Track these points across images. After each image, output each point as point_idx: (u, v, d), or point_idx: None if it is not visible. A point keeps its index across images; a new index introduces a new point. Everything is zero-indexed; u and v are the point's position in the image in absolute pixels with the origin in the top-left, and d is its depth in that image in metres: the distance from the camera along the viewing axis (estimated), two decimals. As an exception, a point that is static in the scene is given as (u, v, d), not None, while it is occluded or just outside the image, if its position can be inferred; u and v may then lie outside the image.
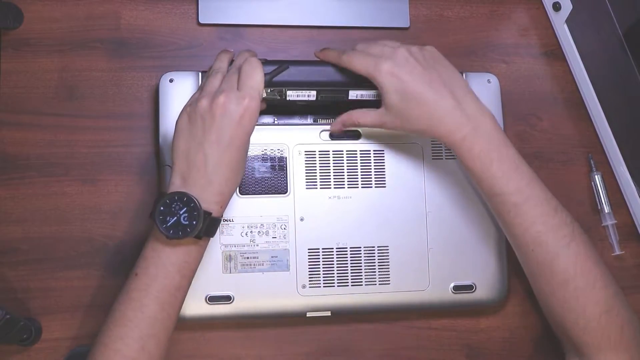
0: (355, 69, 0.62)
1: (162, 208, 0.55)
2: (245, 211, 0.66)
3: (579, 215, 0.76)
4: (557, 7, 0.77)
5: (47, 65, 0.70)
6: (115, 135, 0.69)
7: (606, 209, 0.75)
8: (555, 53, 0.79)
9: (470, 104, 0.61)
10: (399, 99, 0.60)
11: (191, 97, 0.60)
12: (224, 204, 0.58)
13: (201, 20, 0.73)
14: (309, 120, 0.70)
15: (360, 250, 0.67)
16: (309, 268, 0.66)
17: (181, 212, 0.54)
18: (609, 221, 0.75)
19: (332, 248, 0.67)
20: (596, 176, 0.76)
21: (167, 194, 0.55)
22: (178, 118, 0.59)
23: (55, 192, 0.68)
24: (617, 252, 0.75)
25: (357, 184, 0.68)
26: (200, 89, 0.60)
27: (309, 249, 0.67)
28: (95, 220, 0.68)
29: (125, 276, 0.67)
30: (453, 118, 0.60)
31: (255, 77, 0.58)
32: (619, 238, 0.75)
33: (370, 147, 0.69)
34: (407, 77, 0.60)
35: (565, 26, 0.77)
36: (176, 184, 0.56)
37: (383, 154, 0.69)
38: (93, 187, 0.68)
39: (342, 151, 0.68)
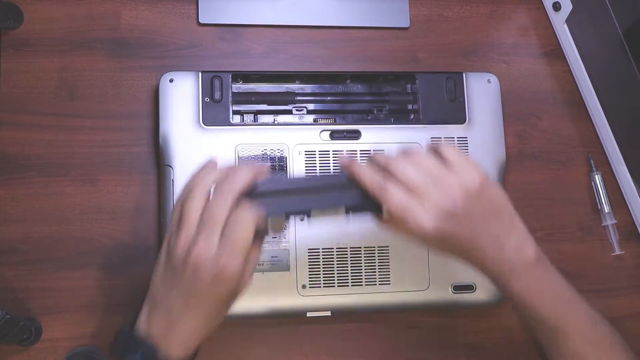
0: (392, 212, 0.50)
1: (116, 348, 0.51)
2: None
3: (579, 216, 0.76)
4: (557, 7, 0.77)
5: (47, 65, 0.70)
6: (115, 135, 0.69)
7: (606, 208, 0.75)
8: (555, 53, 0.79)
9: (513, 240, 0.53)
10: (440, 247, 0.53)
11: (172, 220, 0.50)
12: (191, 347, 0.52)
13: (201, 20, 0.73)
14: (309, 120, 0.70)
15: (360, 251, 0.67)
16: (309, 268, 0.66)
17: (136, 357, 0.50)
18: (609, 221, 0.75)
19: (332, 248, 0.67)
20: (596, 176, 0.76)
21: (124, 333, 0.52)
22: (161, 247, 0.51)
23: (55, 192, 0.68)
24: (617, 252, 0.75)
25: None
26: (178, 217, 0.49)
27: (309, 249, 0.67)
28: (95, 220, 0.68)
29: (125, 276, 0.67)
30: (492, 261, 0.53)
31: (240, 233, 0.47)
32: (619, 238, 0.75)
33: (371, 147, 0.69)
34: (451, 235, 0.51)
35: (565, 26, 0.77)
36: (142, 318, 0.51)
37: (383, 153, 0.69)
38: (93, 187, 0.68)
39: (343, 151, 0.68)
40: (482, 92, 0.72)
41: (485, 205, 0.52)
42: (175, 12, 0.73)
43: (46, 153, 0.68)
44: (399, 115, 0.72)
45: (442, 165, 0.51)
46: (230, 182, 0.48)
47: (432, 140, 0.70)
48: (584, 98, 0.78)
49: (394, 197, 0.49)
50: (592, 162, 0.77)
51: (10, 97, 0.69)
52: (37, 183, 0.68)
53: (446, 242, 0.51)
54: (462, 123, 0.71)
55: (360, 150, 0.69)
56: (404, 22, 0.76)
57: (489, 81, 0.73)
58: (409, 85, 0.73)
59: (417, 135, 0.70)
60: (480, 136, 0.71)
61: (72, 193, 0.68)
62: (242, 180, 0.49)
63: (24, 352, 0.65)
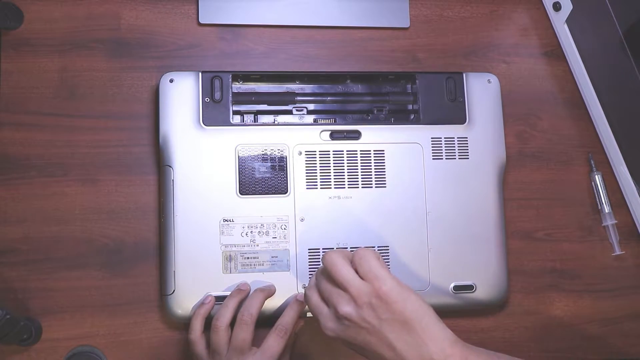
0: (311, 312, 0.58)
1: None
2: (245, 211, 0.66)
3: (579, 216, 0.76)
4: (557, 7, 0.77)
5: (47, 66, 0.70)
6: (115, 135, 0.69)
7: (606, 209, 0.75)
8: (555, 53, 0.79)
9: (419, 352, 0.52)
10: (343, 344, 0.57)
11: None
12: None
13: (201, 20, 0.73)
14: (309, 120, 0.70)
15: None
16: (310, 268, 0.66)
17: None
18: (609, 221, 0.75)
19: (333, 248, 0.67)
20: (596, 176, 0.76)
21: None
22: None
23: (55, 192, 0.68)
24: (618, 252, 0.75)
25: (358, 184, 0.68)
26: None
27: (309, 249, 0.67)
28: (95, 220, 0.68)
29: (125, 276, 0.67)
30: None
31: None
32: (619, 238, 0.75)
33: (371, 147, 0.69)
34: (346, 338, 0.55)
35: (566, 26, 0.77)
36: None
37: (383, 154, 0.69)
38: (93, 187, 0.68)
39: (343, 151, 0.69)
40: (482, 92, 0.72)
41: (387, 315, 0.53)
42: (175, 12, 0.73)
43: (46, 153, 0.68)
44: (399, 116, 0.72)
45: (351, 276, 0.54)
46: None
47: (432, 140, 0.70)
48: (584, 98, 0.78)
49: (311, 301, 0.57)
50: (592, 162, 0.77)
51: (10, 97, 0.69)
52: (37, 183, 0.68)
53: (346, 343, 0.56)
54: (462, 123, 0.71)
55: (361, 150, 0.69)
56: (404, 22, 0.76)
57: (489, 81, 0.73)
58: (409, 86, 0.73)
59: (417, 135, 0.70)
60: (480, 136, 0.71)
61: (72, 193, 0.68)
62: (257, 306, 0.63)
63: (24, 352, 0.65)
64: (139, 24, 0.72)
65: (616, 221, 0.75)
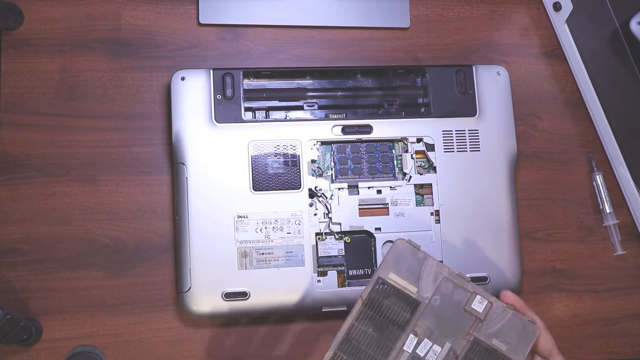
0: None
1: None
2: (259, 207, 0.66)
3: (579, 216, 0.76)
4: (557, 7, 0.77)
5: (48, 66, 0.70)
6: (116, 135, 0.70)
7: (608, 209, 0.75)
8: (555, 53, 0.79)
9: None
10: None
11: None
12: None
13: (201, 21, 0.73)
14: (321, 115, 0.70)
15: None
16: None
17: None
18: (611, 221, 0.75)
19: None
20: (597, 176, 0.76)
21: None
22: None
23: (56, 192, 0.68)
24: (620, 252, 0.75)
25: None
26: None
27: None
28: (95, 220, 0.68)
29: (125, 276, 0.67)
30: None
31: None
32: (620, 238, 0.75)
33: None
34: None
35: (566, 26, 0.77)
36: None
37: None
38: (93, 187, 0.68)
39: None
40: (492, 84, 0.72)
41: None
42: (175, 12, 0.73)
43: (46, 153, 0.68)
44: (410, 109, 0.72)
45: None
46: None
47: (443, 133, 0.70)
48: (584, 98, 0.78)
49: None
50: (593, 162, 0.77)
51: (11, 97, 0.69)
52: (37, 183, 0.68)
53: None
54: (473, 116, 0.71)
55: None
56: (404, 22, 0.76)
57: (498, 73, 0.73)
58: (418, 79, 0.73)
59: (428, 128, 0.70)
60: (491, 128, 0.71)
61: (72, 193, 0.68)
62: None
63: (24, 352, 0.65)
64: (139, 24, 0.72)
65: (618, 221, 0.75)
